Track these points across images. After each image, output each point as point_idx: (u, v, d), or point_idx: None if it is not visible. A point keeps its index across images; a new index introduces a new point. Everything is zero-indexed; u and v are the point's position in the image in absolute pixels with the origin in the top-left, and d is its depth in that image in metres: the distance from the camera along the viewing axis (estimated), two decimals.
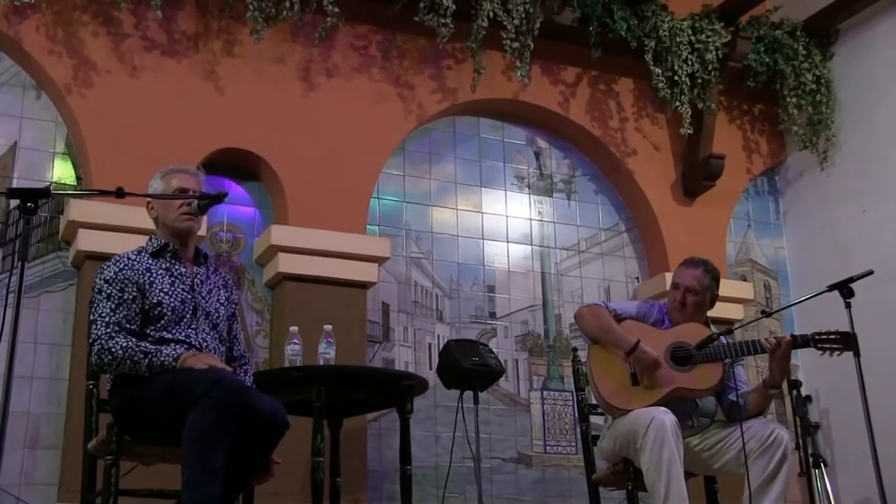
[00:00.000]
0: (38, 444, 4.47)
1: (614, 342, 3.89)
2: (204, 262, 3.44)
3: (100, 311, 3.16)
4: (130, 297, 3.18)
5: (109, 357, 3.09)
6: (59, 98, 4.85)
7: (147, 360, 3.06)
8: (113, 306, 3.16)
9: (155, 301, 3.20)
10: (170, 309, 3.21)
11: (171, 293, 3.24)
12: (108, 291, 3.18)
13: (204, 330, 3.28)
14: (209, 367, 3.04)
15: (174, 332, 3.21)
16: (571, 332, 5.75)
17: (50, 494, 4.40)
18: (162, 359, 3.06)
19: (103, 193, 2.92)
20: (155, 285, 3.22)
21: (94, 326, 3.16)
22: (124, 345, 3.08)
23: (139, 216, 3.53)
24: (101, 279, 3.23)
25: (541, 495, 5.40)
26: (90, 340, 3.17)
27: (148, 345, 3.12)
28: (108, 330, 3.12)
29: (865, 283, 3.68)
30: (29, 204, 2.57)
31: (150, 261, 3.28)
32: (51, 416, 4.51)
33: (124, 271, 3.22)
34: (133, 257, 3.29)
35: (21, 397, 4.42)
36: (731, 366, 3.88)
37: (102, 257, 3.81)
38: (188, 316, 3.26)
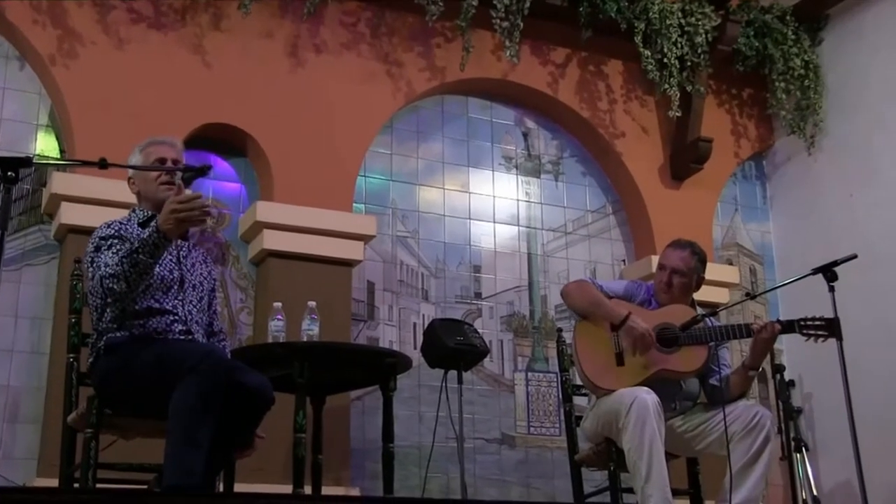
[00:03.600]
0: (17, 419, 4.44)
1: (604, 315, 3.88)
2: (186, 236, 3.41)
3: (104, 260, 3.09)
4: (129, 249, 3.14)
5: (114, 280, 3.00)
6: (43, 69, 4.79)
7: (141, 251, 2.97)
8: (113, 252, 3.11)
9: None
10: (159, 277, 3.19)
11: (160, 262, 3.20)
12: (109, 243, 3.15)
13: (191, 302, 3.27)
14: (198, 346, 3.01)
15: (162, 301, 3.19)
16: (557, 314, 5.75)
17: (29, 469, 4.37)
18: (145, 237, 2.97)
19: (86, 164, 2.88)
20: None
21: (99, 272, 3.07)
22: (116, 258, 3.01)
23: (122, 190, 3.49)
24: (97, 237, 3.20)
25: (524, 476, 5.41)
26: (99, 282, 3.07)
27: (131, 245, 3.04)
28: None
29: (850, 268, 3.69)
30: (10, 173, 2.54)
31: (138, 229, 3.26)
32: (31, 390, 4.48)
33: (120, 231, 3.21)
34: (124, 222, 3.28)
35: (1, 371, 4.40)
36: (715, 348, 3.89)
37: (85, 231, 3.78)
38: (175, 287, 3.24)
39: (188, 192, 3.19)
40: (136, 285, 3.04)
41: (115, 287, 3.02)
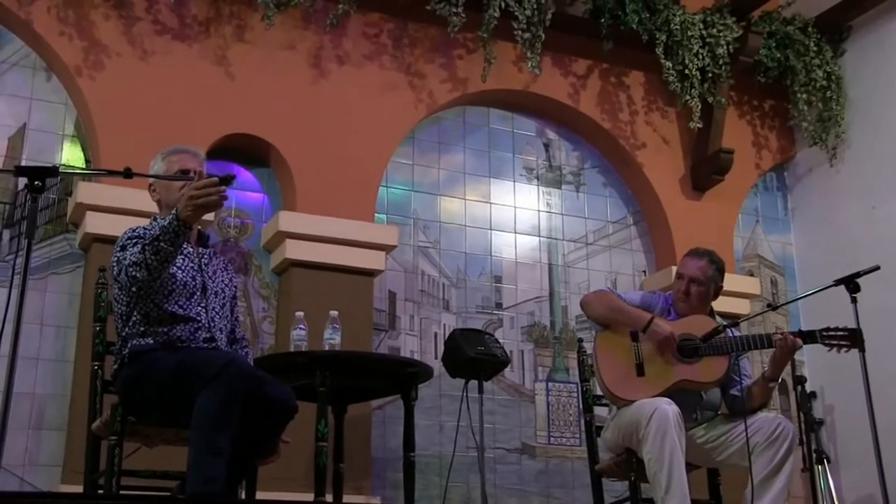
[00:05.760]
0: (42, 426, 4.48)
1: (627, 320, 3.88)
2: (206, 244, 3.46)
3: (129, 252, 3.12)
4: (151, 237, 3.17)
5: (136, 267, 3.03)
6: (70, 80, 4.85)
7: (162, 238, 3.00)
8: (138, 247, 3.13)
9: (168, 272, 3.20)
10: (181, 283, 3.23)
11: (182, 268, 3.26)
12: (134, 242, 3.17)
13: (213, 309, 3.30)
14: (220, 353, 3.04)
15: (186, 307, 3.22)
16: (577, 324, 5.75)
17: (54, 475, 4.41)
18: (166, 224, 3.01)
19: (111, 173, 2.95)
20: None
21: (124, 262, 3.11)
22: (139, 248, 3.05)
23: (146, 199, 3.53)
24: (124, 238, 3.24)
25: (544, 486, 5.41)
26: (125, 273, 3.10)
27: (149, 236, 3.07)
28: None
29: (872, 279, 3.66)
30: (36, 182, 2.58)
31: None
32: (56, 397, 4.53)
33: (145, 234, 3.23)
34: (148, 228, 3.31)
35: (26, 378, 4.44)
36: (736, 358, 3.88)
37: (110, 240, 3.81)
38: (198, 294, 3.27)
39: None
40: (157, 273, 3.06)
41: (137, 275, 3.04)
